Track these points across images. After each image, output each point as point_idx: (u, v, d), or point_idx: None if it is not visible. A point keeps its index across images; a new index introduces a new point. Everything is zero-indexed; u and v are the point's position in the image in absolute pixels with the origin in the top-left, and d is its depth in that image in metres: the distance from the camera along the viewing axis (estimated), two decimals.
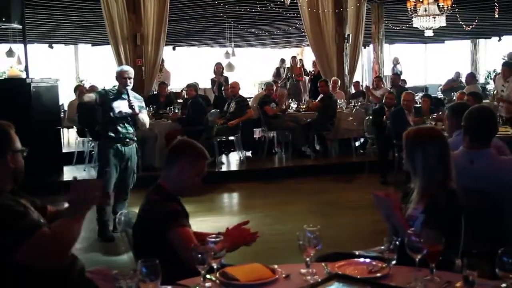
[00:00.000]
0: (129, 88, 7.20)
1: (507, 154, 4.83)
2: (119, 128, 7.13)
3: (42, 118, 10.57)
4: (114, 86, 7.39)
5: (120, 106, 7.10)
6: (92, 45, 19.18)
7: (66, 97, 14.59)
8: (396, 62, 21.13)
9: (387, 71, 18.08)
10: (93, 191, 3.14)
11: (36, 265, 3.02)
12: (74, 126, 13.02)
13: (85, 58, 20.54)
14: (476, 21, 17.71)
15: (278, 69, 19.04)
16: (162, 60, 14.36)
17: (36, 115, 10.42)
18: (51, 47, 19.06)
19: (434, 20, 14.19)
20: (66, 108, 14.15)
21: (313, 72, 17.28)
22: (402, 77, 16.20)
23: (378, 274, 3.07)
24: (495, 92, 12.98)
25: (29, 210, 3.13)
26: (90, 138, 11.52)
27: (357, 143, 13.47)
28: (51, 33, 17.48)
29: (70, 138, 14.81)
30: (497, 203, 4.30)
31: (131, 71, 7.33)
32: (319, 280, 2.97)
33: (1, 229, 2.92)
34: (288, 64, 18.85)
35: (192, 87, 12.39)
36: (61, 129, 12.21)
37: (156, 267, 2.50)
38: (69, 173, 11.40)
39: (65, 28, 17.25)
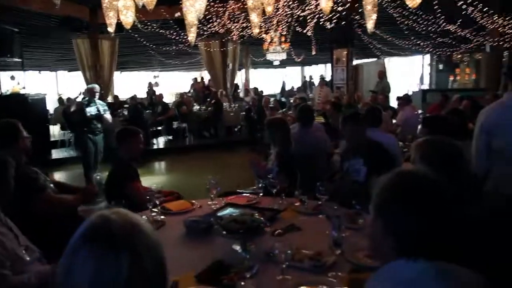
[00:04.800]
0: (97, 98, 7.08)
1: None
2: (91, 124, 6.93)
3: (36, 118, 9.88)
4: (84, 98, 7.18)
5: (91, 110, 6.92)
6: (68, 71, 18.14)
7: (51, 105, 13.81)
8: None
9: (252, 85, 18.42)
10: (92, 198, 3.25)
11: (44, 213, 2.88)
12: (58, 124, 12.47)
13: (63, 80, 19.39)
14: (303, 55, 18.23)
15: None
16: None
17: (32, 117, 9.51)
18: (40, 72, 17.90)
19: (279, 55, 14.60)
20: (51, 112, 13.47)
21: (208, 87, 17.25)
22: (260, 88, 16.45)
23: (254, 201, 3.19)
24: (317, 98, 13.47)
25: (39, 175, 3.08)
26: (69, 131, 11.12)
27: (236, 129, 13.74)
28: (40, 63, 16.30)
29: (55, 131, 14.07)
30: (312, 158, 4.64)
31: (98, 87, 7.16)
32: (219, 207, 3.05)
33: (24, 186, 2.78)
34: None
35: (133, 98, 12.23)
36: (49, 126, 11.62)
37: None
38: (55, 153, 10.94)
39: (49, 60, 16.26)
